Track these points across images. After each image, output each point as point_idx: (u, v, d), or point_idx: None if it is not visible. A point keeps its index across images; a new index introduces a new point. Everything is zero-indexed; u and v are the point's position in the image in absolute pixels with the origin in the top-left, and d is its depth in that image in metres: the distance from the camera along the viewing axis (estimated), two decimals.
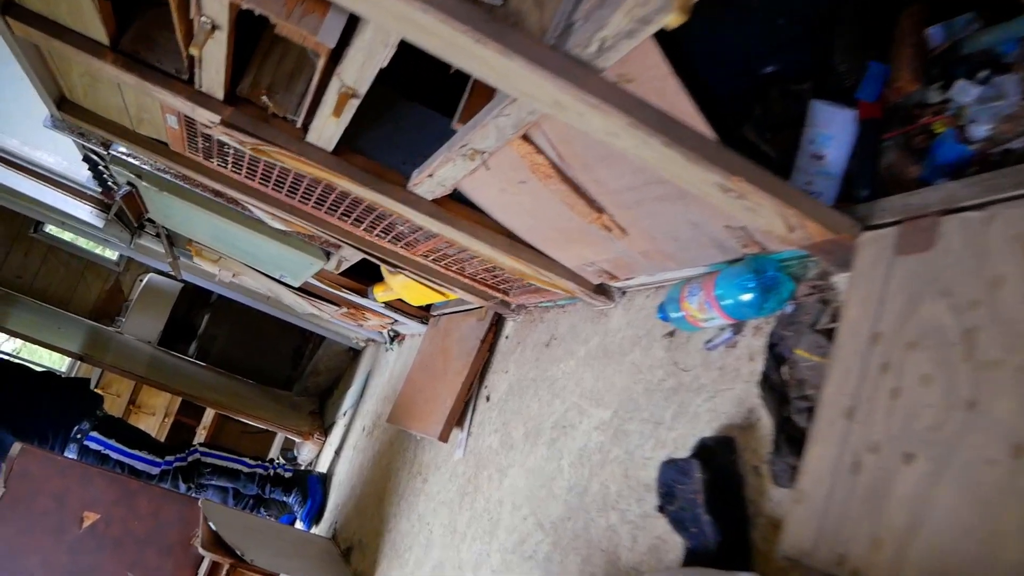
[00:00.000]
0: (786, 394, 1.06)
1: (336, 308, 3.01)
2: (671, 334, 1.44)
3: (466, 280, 2.10)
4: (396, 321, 3.03)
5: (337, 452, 3.79)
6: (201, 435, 5.47)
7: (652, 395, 1.42)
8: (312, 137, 1.46)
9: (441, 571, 2.00)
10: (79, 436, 3.38)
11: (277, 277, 2.63)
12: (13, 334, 4.27)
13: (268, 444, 5.36)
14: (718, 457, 1.14)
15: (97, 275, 5.60)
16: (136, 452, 3.44)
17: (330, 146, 1.48)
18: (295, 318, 4.02)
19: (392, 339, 3.41)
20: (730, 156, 0.92)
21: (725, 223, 1.14)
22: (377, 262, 2.12)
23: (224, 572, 2.28)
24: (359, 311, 3.01)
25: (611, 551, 1.37)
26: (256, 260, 2.46)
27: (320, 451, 4.26)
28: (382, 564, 2.46)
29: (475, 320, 2.41)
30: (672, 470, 1.17)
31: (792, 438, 1.01)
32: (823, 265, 1.10)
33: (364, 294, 2.77)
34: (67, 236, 5.71)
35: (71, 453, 3.38)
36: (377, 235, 1.98)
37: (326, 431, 4.30)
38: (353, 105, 1.24)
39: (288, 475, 3.68)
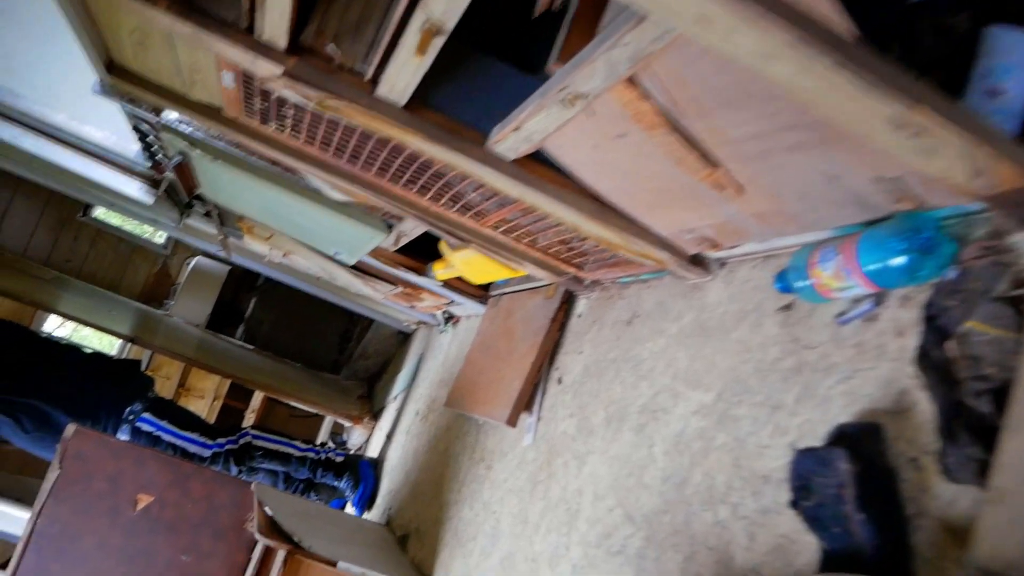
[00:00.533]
0: (954, 374, 0.90)
1: (390, 288, 2.89)
2: (787, 307, 1.28)
3: (537, 254, 1.95)
4: (452, 302, 2.90)
5: (388, 437, 3.68)
6: (250, 418, 5.41)
7: (766, 376, 1.26)
8: (383, 90, 1.32)
9: (511, 563, 1.87)
10: (131, 418, 3.31)
11: (331, 255, 2.50)
12: (66, 316, 4.23)
13: (316, 428, 5.29)
14: (863, 447, 0.98)
15: (145, 259, 5.57)
16: (188, 434, 3.37)
17: (402, 100, 1.34)
18: (343, 300, 3.92)
19: (447, 321, 3.28)
20: (912, 82, 0.76)
21: (875, 173, 0.97)
22: (442, 235, 1.98)
23: (282, 559, 2.18)
24: (414, 291, 2.88)
25: (721, 549, 1.22)
26: (311, 235, 2.34)
27: (370, 436, 4.16)
28: (443, 553, 2.33)
29: (542, 298, 2.26)
30: (809, 460, 1.01)
31: (971, 426, 0.84)
32: (997, 222, 0.93)
33: (421, 272, 2.63)
34: (115, 220, 5.68)
35: (123, 435, 3.32)
36: (443, 205, 1.84)
37: (376, 415, 4.20)
38: (437, 45, 1.10)
39: (339, 459, 3.58)
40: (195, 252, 5.38)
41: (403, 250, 2.57)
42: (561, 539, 1.70)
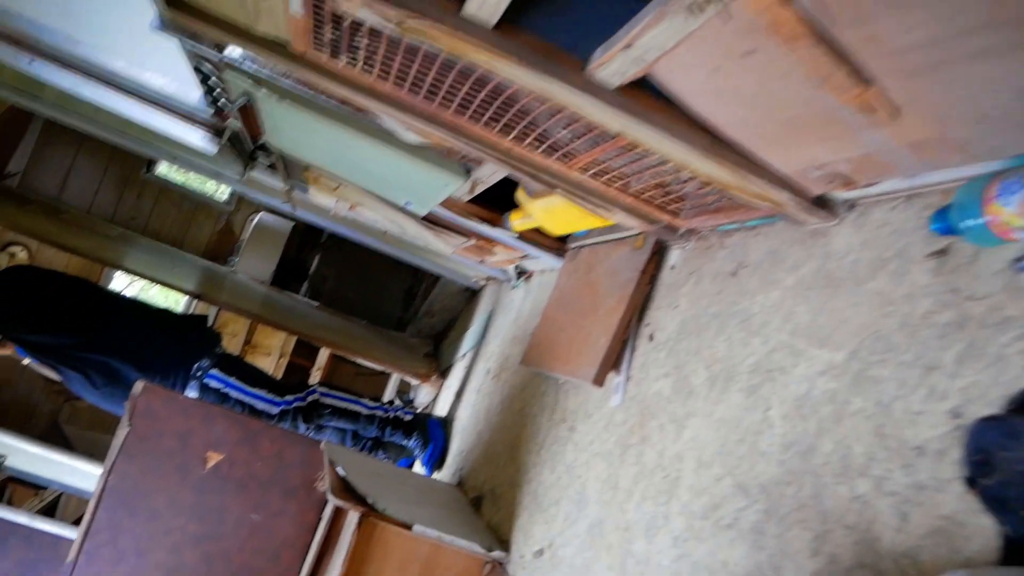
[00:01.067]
0: None
1: (461, 241, 2.76)
2: (942, 252, 1.10)
3: (629, 200, 1.79)
4: (526, 256, 2.75)
5: (458, 395, 3.59)
6: (316, 376, 5.39)
7: (916, 332, 1.09)
8: (471, 8, 1.17)
9: (600, 531, 1.74)
10: (199, 374, 3.28)
11: (402, 205, 2.37)
12: (132, 273, 4.22)
13: (382, 386, 5.25)
14: None
15: (208, 215, 5.55)
16: (256, 391, 3.32)
17: (492, 19, 1.19)
18: (409, 256, 3.81)
19: (519, 276, 3.15)
20: None
21: None
22: (524, 180, 1.83)
23: (356, 522, 2.09)
24: (487, 244, 2.74)
25: (863, 529, 1.06)
26: (381, 184, 2.21)
27: (437, 394, 4.07)
28: (522, 517, 2.23)
29: (628, 250, 2.10)
30: (994, 431, 0.85)
31: None
32: None
33: (496, 224, 2.49)
34: (178, 177, 5.67)
35: (192, 391, 3.29)
36: (528, 146, 1.69)
37: (443, 374, 4.11)
38: None
39: (408, 418, 3.50)
40: (258, 208, 5.34)
41: (477, 200, 2.43)
42: (659, 508, 1.56)
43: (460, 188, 2.00)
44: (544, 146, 1.67)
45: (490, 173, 1.96)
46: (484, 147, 1.72)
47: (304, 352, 5.61)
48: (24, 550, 2.59)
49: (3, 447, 3.58)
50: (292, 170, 2.75)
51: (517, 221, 2.33)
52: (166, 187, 5.49)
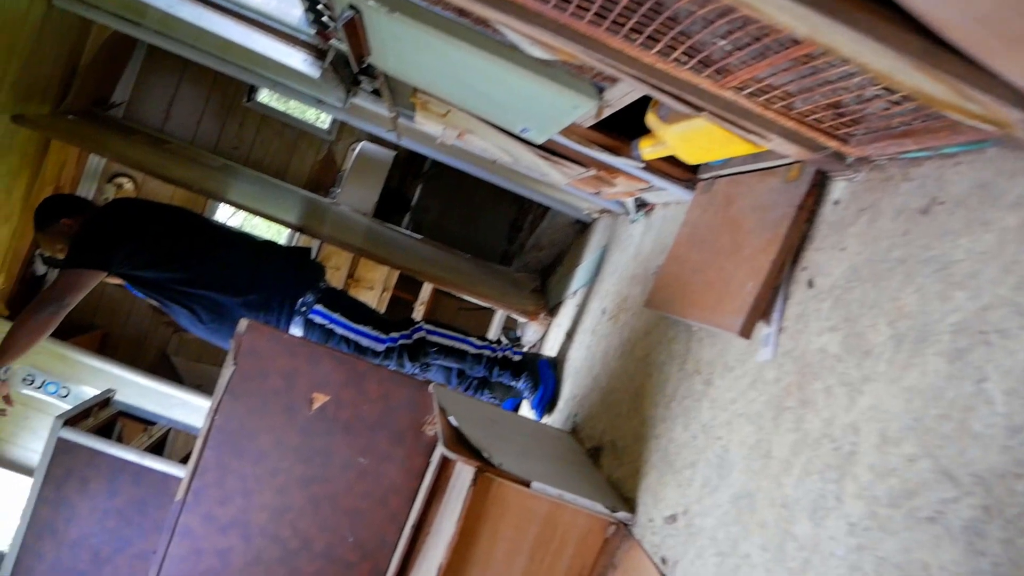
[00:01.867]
0: None
1: (580, 171, 2.52)
2: None
3: (791, 123, 1.52)
4: (650, 187, 2.50)
5: (568, 335, 3.40)
6: (419, 311, 5.31)
7: None
8: None
9: (750, 504, 1.54)
10: (303, 309, 3.19)
11: (518, 131, 2.15)
12: (235, 205, 4.17)
13: (485, 322, 5.12)
14: None
15: (310, 144, 5.46)
16: (361, 327, 3.22)
17: None
18: (516, 186, 3.61)
19: (639, 209, 2.90)
20: None
21: None
22: (666, 100, 1.58)
23: (471, 477, 1.95)
24: (608, 174, 2.50)
25: None
26: (497, 107, 1.99)
27: (546, 333, 3.90)
28: (649, 476, 2.04)
29: (780, 181, 1.83)
30: None
31: None
32: None
33: (622, 152, 2.25)
34: (280, 105, 5.58)
35: (296, 327, 3.21)
36: (674, 61, 1.43)
37: (551, 311, 3.93)
38: None
39: (517, 358, 3.35)
40: (360, 137, 5.21)
41: (599, 126, 2.19)
42: (828, 486, 1.34)
43: (587, 112, 1.76)
44: (694, 61, 1.41)
45: (623, 94, 1.71)
46: (622, 63, 1.47)
47: (407, 286, 5.53)
48: (134, 488, 2.58)
49: (114, 381, 3.63)
50: (398, 95, 2.56)
51: (648, 149, 2.08)
52: (267, 116, 5.41)
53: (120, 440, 2.94)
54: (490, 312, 5.02)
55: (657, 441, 2.07)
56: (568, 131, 2.17)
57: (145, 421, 3.20)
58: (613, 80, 1.67)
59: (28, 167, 3.96)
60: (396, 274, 5.45)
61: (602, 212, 3.53)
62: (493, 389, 3.66)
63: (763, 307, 1.71)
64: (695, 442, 1.86)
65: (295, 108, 5.59)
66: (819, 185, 1.71)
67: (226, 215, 5.91)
